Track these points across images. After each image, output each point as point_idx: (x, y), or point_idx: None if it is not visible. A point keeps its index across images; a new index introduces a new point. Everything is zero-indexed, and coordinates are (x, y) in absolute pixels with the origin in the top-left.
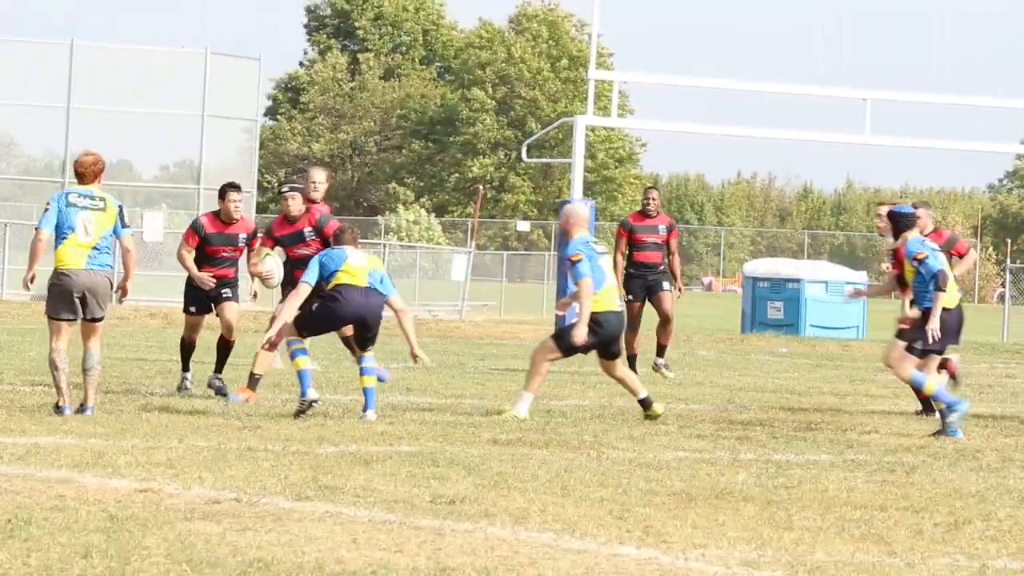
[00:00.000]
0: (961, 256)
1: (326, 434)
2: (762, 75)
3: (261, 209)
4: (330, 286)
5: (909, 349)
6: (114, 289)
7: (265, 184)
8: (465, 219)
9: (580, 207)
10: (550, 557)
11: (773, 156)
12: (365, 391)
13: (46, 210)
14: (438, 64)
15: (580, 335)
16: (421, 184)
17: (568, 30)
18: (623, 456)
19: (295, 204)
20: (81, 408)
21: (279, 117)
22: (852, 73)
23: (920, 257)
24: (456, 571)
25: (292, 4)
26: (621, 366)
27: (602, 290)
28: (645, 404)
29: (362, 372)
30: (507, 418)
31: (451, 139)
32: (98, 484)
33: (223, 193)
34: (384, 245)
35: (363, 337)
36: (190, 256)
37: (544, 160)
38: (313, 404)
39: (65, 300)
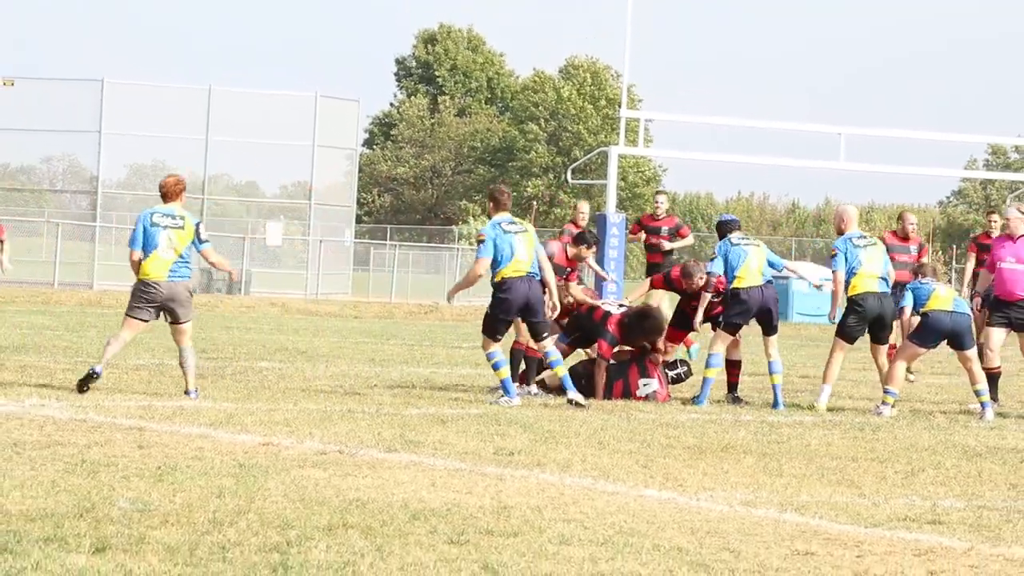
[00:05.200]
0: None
1: (411, 399)
2: (762, 109)
3: (359, 220)
4: None
5: (726, 327)
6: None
7: (361, 200)
8: None
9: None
10: (589, 497)
11: (767, 178)
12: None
13: (134, 230)
14: (500, 104)
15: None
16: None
17: (607, 77)
18: (647, 417)
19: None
20: (186, 393)
21: (374, 147)
22: (830, 109)
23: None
24: (514, 508)
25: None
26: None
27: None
28: None
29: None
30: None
31: (510, 164)
32: (229, 439)
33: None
34: (457, 249)
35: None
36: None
37: (586, 182)
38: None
39: (143, 305)
